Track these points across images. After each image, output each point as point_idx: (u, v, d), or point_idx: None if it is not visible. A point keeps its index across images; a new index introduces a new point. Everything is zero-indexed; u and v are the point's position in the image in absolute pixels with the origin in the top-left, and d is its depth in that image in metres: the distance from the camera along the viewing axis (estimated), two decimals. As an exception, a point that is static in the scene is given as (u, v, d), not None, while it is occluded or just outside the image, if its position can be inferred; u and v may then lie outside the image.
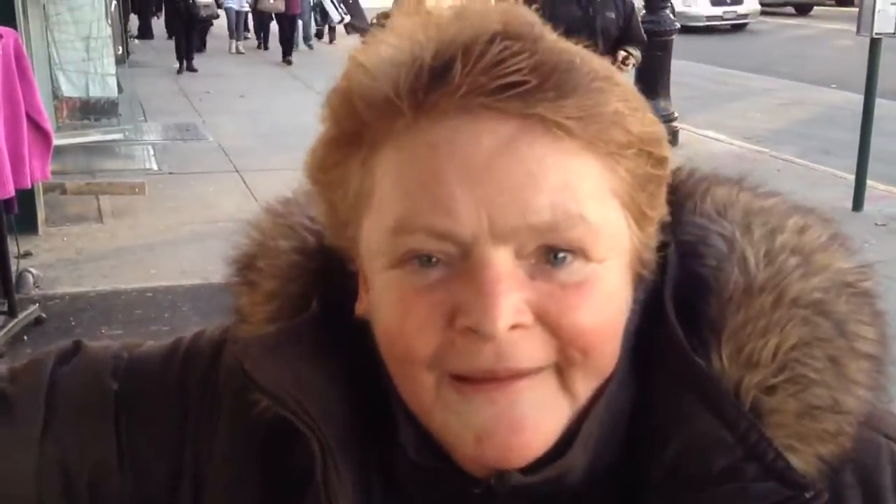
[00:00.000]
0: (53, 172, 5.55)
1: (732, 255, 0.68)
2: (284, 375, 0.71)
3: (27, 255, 5.94)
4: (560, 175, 0.62)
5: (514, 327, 0.61)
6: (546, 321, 0.62)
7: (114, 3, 9.83)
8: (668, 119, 10.05)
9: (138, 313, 5.13)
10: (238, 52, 17.23)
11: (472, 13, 0.65)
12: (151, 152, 9.32)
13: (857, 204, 7.34)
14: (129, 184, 7.96)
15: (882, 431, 0.68)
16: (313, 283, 0.75)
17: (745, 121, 11.29)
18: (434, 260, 0.63)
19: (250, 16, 17.68)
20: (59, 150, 6.55)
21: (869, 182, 7.52)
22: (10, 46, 4.70)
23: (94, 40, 9.34)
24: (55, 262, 6.07)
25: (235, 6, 16.75)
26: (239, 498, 0.76)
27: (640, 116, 0.65)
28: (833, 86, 13.28)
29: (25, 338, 4.90)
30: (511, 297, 0.61)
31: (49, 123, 5.11)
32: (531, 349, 0.62)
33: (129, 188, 7.91)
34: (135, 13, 19.76)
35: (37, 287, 5.57)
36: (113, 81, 9.76)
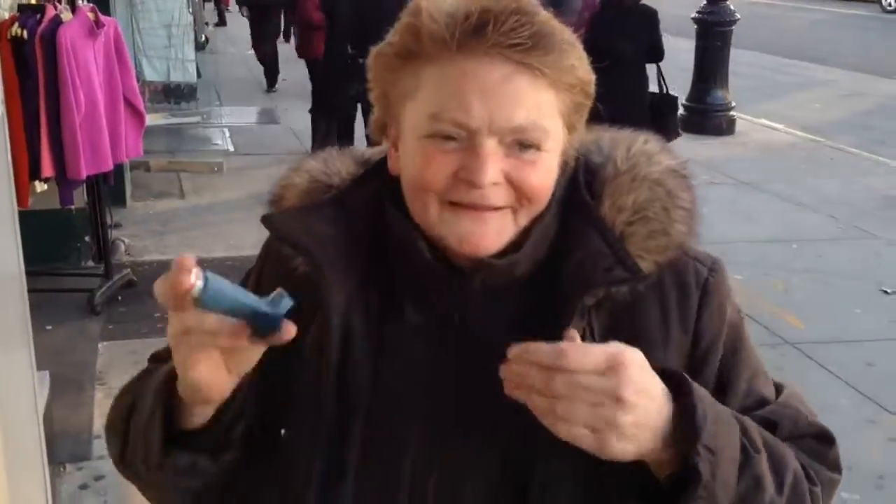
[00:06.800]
0: (138, 152, 6.02)
1: (608, 159, 1.13)
2: (293, 223, 1.13)
3: (118, 225, 6.44)
4: (534, 99, 1.03)
5: (492, 183, 1.03)
6: (511, 181, 1.04)
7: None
8: (725, 108, 10.09)
9: (219, 280, 5.58)
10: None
11: None
12: (227, 134, 9.78)
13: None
14: (208, 163, 8.44)
15: (692, 256, 1.13)
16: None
17: (804, 111, 11.40)
18: (451, 138, 1.03)
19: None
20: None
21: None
22: (112, 35, 5.18)
23: (176, 27, 9.79)
24: (142, 232, 6.57)
25: None
26: None
27: (584, 66, 1.07)
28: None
29: (119, 298, 5.39)
30: (494, 167, 1.03)
31: (143, 105, 5.58)
32: (500, 195, 1.04)
33: (208, 167, 8.38)
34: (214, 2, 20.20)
35: (127, 254, 6.08)
36: (192, 67, 10.18)
